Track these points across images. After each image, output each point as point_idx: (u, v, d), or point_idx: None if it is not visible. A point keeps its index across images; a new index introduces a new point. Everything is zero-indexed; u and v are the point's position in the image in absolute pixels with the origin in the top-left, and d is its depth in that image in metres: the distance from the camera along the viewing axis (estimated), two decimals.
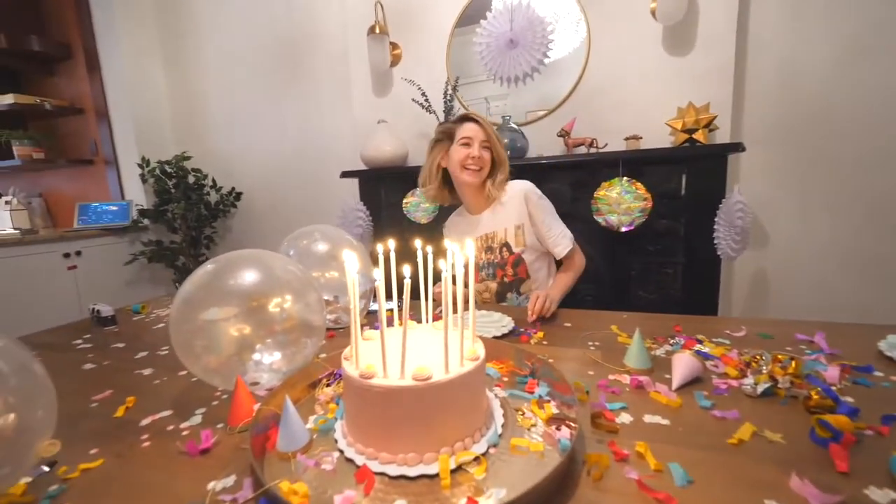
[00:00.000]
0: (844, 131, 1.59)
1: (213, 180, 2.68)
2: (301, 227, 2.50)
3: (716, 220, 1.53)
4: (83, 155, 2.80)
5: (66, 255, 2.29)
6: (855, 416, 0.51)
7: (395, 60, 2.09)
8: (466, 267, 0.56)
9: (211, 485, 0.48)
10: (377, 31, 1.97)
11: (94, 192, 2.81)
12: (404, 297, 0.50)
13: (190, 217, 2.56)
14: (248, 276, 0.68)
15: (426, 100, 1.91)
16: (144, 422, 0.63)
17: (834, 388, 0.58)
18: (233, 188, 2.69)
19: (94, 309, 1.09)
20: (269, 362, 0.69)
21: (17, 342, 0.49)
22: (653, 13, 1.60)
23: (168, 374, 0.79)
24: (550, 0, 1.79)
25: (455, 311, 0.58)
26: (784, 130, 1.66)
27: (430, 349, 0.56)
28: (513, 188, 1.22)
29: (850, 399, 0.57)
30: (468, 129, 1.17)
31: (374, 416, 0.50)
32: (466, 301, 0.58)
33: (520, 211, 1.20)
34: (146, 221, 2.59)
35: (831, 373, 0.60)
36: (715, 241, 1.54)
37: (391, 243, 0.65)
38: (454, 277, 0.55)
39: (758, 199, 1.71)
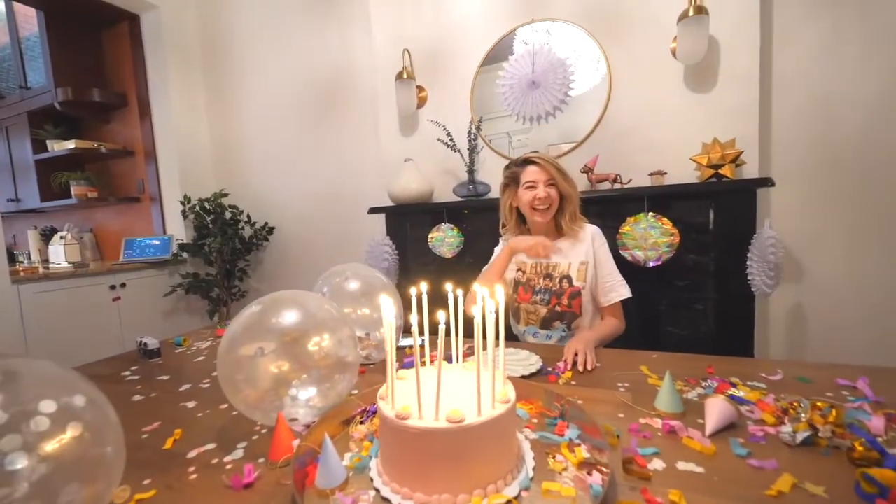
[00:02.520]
0: (886, 166, 1.56)
1: (248, 216, 2.83)
2: (329, 259, 2.58)
3: (748, 255, 1.51)
4: (131, 193, 3.03)
5: (112, 287, 2.44)
6: None
7: (422, 102, 2.20)
8: (497, 312, 0.58)
9: None
10: (405, 76, 2.09)
11: (139, 228, 3.01)
12: (439, 341, 0.52)
13: (225, 251, 2.69)
14: (289, 316, 0.73)
15: (451, 139, 1.99)
16: (191, 454, 0.66)
17: (879, 439, 0.56)
18: (266, 223, 2.83)
19: (141, 342, 1.16)
20: (305, 398, 0.72)
21: (89, 381, 0.54)
22: (673, 53, 1.65)
23: (210, 406, 0.83)
24: (570, 39, 1.86)
25: (485, 348, 0.60)
26: (818, 165, 1.64)
27: (461, 390, 0.58)
28: (585, 229, 1.28)
29: None
30: (530, 173, 1.24)
31: (408, 456, 0.52)
32: (497, 340, 0.60)
33: (587, 250, 1.25)
34: (185, 255, 2.74)
35: (876, 423, 0.58)
36: (749, 277, 1.50)
37: (423, 286, 0.68)
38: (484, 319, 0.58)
39: (792, 233, 1.67)
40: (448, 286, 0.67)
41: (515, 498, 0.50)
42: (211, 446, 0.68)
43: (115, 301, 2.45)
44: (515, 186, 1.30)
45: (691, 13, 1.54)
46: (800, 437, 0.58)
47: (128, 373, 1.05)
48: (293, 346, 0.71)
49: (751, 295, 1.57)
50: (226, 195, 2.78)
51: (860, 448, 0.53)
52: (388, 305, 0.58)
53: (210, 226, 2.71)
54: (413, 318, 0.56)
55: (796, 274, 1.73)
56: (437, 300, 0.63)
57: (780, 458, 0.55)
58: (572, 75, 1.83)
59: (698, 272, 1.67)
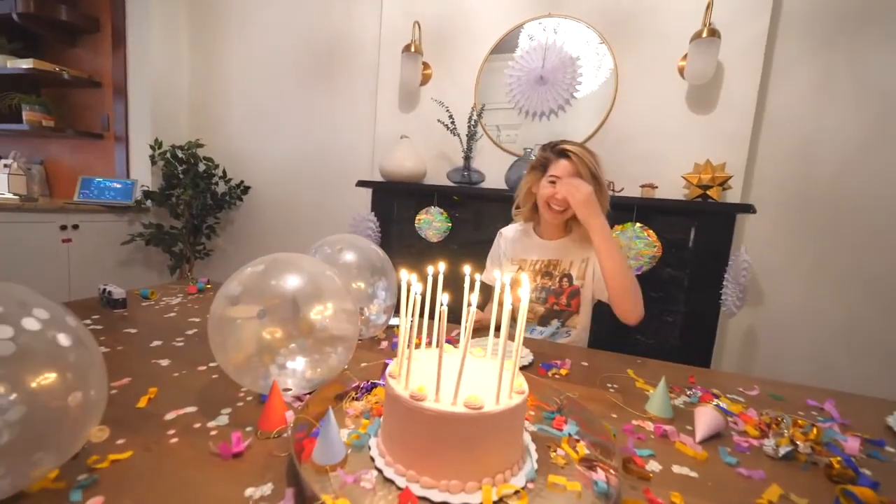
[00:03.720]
0: (852, 212, 1.68)
1: (224, 171, 2.67)
2: (307, 228, 2.48)
3: (725, 275, 1.58)
4: (93, 128, 2.77)
5: (63, 228, 2.23)
6: (876, 490, 0.53)
7: (425, 80, 2.14)
8: (516, 305, 0.57)
9: (249, 491, 0.47)
10: (412, 49, 2.02)
11: (99, 168, 2.77)
12: (463, 323, 0.51)
13: (195, 205, 2.53)
14: (292, 280, 0.68)
15: (452, 122, 1.95)
16: (169, 416, 0.61)
17: (853, 459, 0.61)
18: (241, 181, 2.68)
19: (104, 289, 1.07)
20: (297, 368, 0.69)
21: (74, 314, 0.49)
22: (681, 71, 1.69)
23: (188, 367, 0.77)
24: (580, 40, 1.86)
25: (497, 336, 0.59)
26: (794, 201, 1.75)
27: (473, 376, 0.56)
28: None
29: (868, 471, 0.59)
30: (560, 167, 1.12)
31: (420, 438, 0.50)
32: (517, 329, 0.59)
33: (591, 249, 1.16)
34: (149, 203, 2.55)
35: (851, 444, 0.63)
36: (722, 296, 1.58)
37: (441, 265, 0.66)
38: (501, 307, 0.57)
39: (761, 261, 1.78)
40: (466, 268, 0.65)
41: (523, 488, 0.50)
42: (191, 409, 0.64)
43: (66, 243, 2.25)
44: (541, 173, 1.18)
45: (704, 34, 1.57)
46: (782, 451, 0.61)
47: (89, 321, 0.96)
48: (290, 312, 0.67)
49: (716, 312, 1.67)
50: (201, 146, 2.60)
51: (837, 466, 0.57)
52: (411, 280, 0.55)
53: (181, 176, 2.54)
54: (444, 298, 0.54)
55: (756, 298, 1.84)
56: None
57: (765, 468, 0.58)
58: (580, 76, 1.83)
59: (673, 286, 1.74)
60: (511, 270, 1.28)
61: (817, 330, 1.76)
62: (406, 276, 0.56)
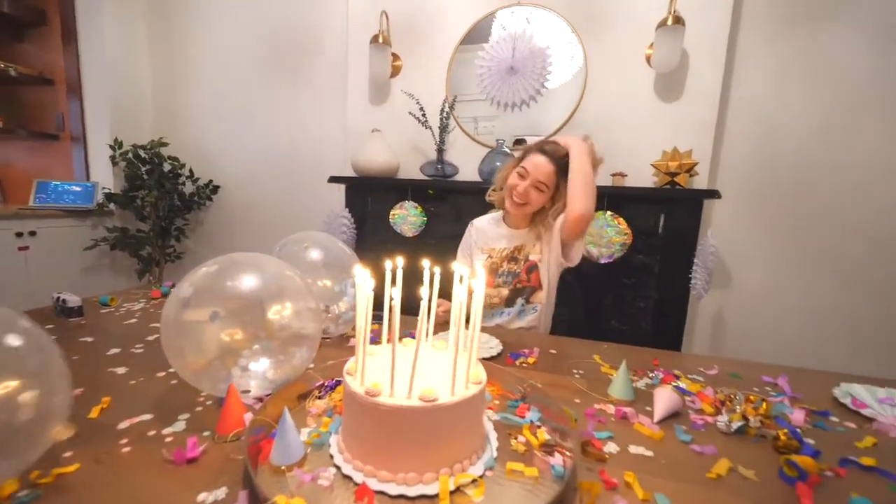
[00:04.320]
0: (812, 195, 1.74)
1: (191, 170, 2.58)
2: (278, 226, 2.44)
3: (695, 260, 1.63)
4: (47, 129, 2.63)
5: (19, 235, 2.13)
6: (817, 458, 0.56)
7: (395, 71, 2.11)
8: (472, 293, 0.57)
9: (202, 496, 0.46)
10: (380, 40, 1.99)
11: (56, 170, 2.64)
12: (419, 318, 0.51)
13: (162, 206, 2.45)
14: (248, 280, 0.67)
15: (423, 114, 1.93)
16: (122, 425, 0.59)
17: (799, 430, 0.64)
18: (210, 181, 2.60)
19: (58, 297, 1.03)
20: (258, 369, 0.68)
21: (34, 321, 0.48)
22: (648, 59, 1.71)
23: (145, 374, 0.75)
24: (551, 30, 1.86)
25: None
26: (756, 185, 1.80)
27: (432, 369, 0.57)
28: (548, 221, 1.19)
29: (811, 441, 0.62)
30: (530, 162, 1.14)
31: (376, 433, 0.50)
32: (473, 321, 0.59)
33: (556, 233, 1.18)
34: (112, 206, 2.45)
35: (797, 416, 0.66)
36: (692, 281, 1.62)
37: (399, 260, 0.65)
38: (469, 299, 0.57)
39: (727, 244, 1.83)
40: (425, 262, 0.65)
41: (481, 477, 0.50)
42: (146, 417, 0.62)
43: (23, 251, 2.15)
44: (518, 162, 1.19)
45: (670, 22, 1.59)
46: (734, 426, 0.63)
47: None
48: (249, 313, 0.66)
49: (686, 296, 1.71)
50: (165, 144, 2.51)
51: (783, 437, 0.60)
52: (362, 276, 0.54)
53: (145, 177, 2.45)
54: (396, 294, 0.54)
55: (724, 281, 1.90)
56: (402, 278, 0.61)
57: (717, 444, 0.60)
58: (550, 66, 1.83)
59: (644, 272, 1.78)
60: (481, 260, 1.29)
61: (779, 308, 1.83)
62: (360, 272, 0.55)
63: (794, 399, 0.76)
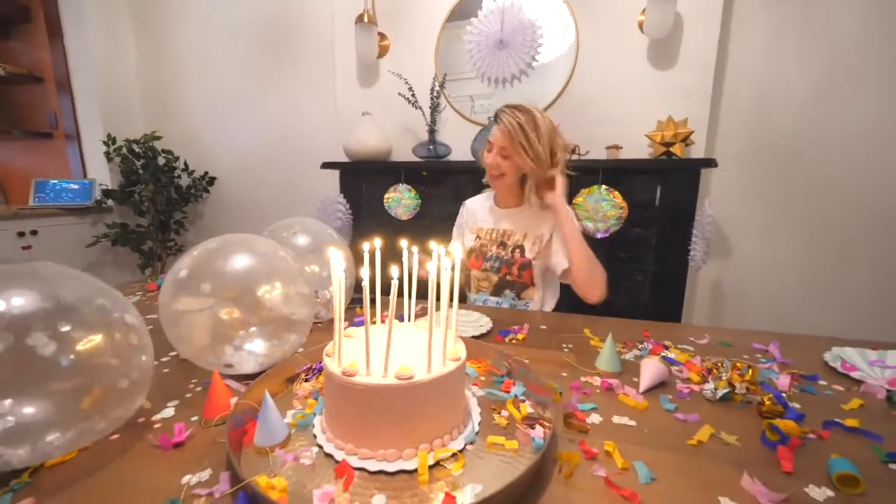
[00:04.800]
0: (808, 163, 1.71)
1: (186, 163, 2.58)
2: (276, 215, 2.46)
3: (693, 231, 1.60)
4: (41, 127, 2.63)
5: (21, 235, 2.15)
6: (801, 421, 0.56)
7: (383, 52, 2.07)
8: (453, 268, 0.57)
9: (186, 478, 0.48)
10: (366, 20, 1.94)
11: (53, 169, 2.65)
12: (391, 297, 0.50)
13: (159, 200, 2.45)
14: (241, 261, 0.67)
15: (413, 94, 1.90)
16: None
17: (784, 395, 0.63)
18: (206, 173, 2.60)
19: None
20: (250, 349, 0.69)
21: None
22: (640, 26, 1.66)
23: None
24: (541, 3, 1.81)
25: (438, 308, 0.59)
26: (753, 153, 1.76)
27: (411, 348, 0.57)
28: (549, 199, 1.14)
29: (797, 405, 0.62)
30: (493, 132, 1.11)
31: (354, 412, 0.50)
32: (451, 299, 0.59)
33: (549, 223, 1.16)
34: (111, 203, 2.46)
35: (782, 381, 0.65)
36: (691, 252, 1.60)
37: (377, 241, 0.65)
38: (439, 276, 0.56)
39: (725, 214, 1.81)
40: (403, 242, 0.64)
41: (461, 451, 0.51)
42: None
43: (26, 250, 2.17)
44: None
45: None
46: (719, 393, 0.63)
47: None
48: (242, 295, 0.67)
49: (684, 268, 1.70)
50: (158, 138, 2.50)
51: (768, 402, 0.60)
52: (337, 259, 0.54)
53: (140, 172, 2.45)
54: (364, 273, 0.53)
55: (722, 251, 1.88)
56: (392, 260, 0.60)
57: (701, 411, 0.60)
58: (541, 38, 1.78)
59: (641, 245, 1.76)
60: (470, 239, 1.28)
61: (778, 277, 1.82)
62: (334, 254, 0.55)
63: (783, 365, 0.75)
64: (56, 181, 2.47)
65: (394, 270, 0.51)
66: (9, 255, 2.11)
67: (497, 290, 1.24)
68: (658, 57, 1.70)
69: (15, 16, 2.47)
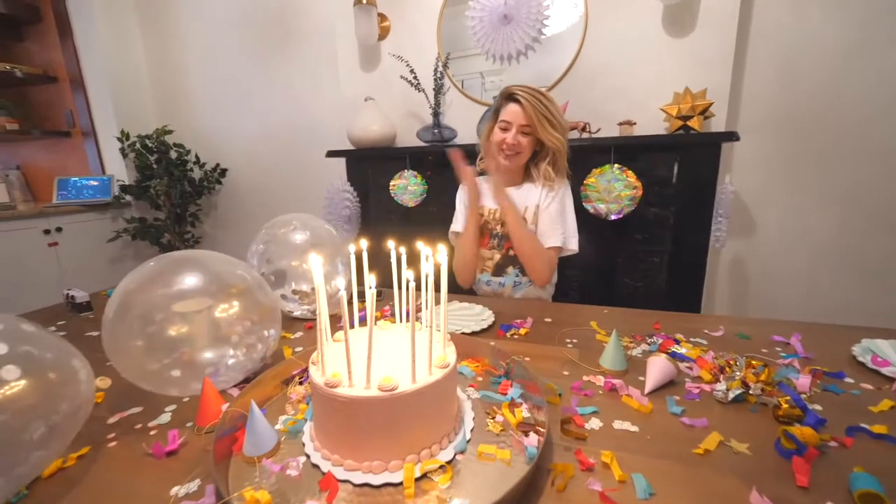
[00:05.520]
0: (842, 124, 1.56)
1: (197, 156, 2.60)
2: (287, 205, 2.45)
3: (715, 209, 1.52)
4: (59, 126, 2.69)
5: (47, 232, 2.23)
6: (821, 427, 0.52)
7: (384, 33, 1.99)
8: (438, 271, 0.54)
9: (174, 490, 0.48)
10: (364, 1, 1.87)
11: (73, 166, 2.72)
12: (369, 305, 0.48)
13: (174, 194, 2.49)
14: (189, 280, 0.66)
15: (415, 77, 1.83)
16: (112, 419, 0.62)
17: (804, 396, 0.59)
18: (217, 164, 2.62)
19: (68, 294, 1.07)
20: (227, 361, 0.68)
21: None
22: None
23: None
24: None
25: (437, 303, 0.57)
26: (780, 120, 1.63)
27: (400, 354, 0.55)
28: (557, 182, 1.17)
29: (818, 407, 0.57)
30: (509, 112, 1.10)
31: (339, 423, 0.49)
32: (437, 301, 0.56)
33: (544, 195, 1.17)
34: (128, 198, 2.52)
35: (802, 381, 0.61)
36: (716, 232, 1.52)
37: (363, 243, 0.63)
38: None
39: (749, 189, 1.70)
40: (391, 243, 0.61)
41: (449, 462, 0.49)
42: (136, 410, 0.64)
43: (52, 246, 2.26)
44: (494, 120, 1.16)
45: None
46: (732, 394, 0.59)
47: (53, 328, 0.97)
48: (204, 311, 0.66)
49: (704, 248, 1.61)
50: (169, 132, 2.52)
51: (785, 405, 0.55)
52: (317, 265, 0.52)
53: (154, 166, 2.48)
54: (340, 284, 0.51)
55: (745, 228, 1.77)
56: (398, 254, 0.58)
57: (711, 415, 0.56)
58: (547, 10, 1.67)
59: (658, 225, 1.68)
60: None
61: (805, 251, 1.70)
62: (314, 260, 0.53)
63: (805, 360, 0.70)
64: (76, 178, 2.54)
65: (371, 279, 0.49)
66: (37, 252, 2.20)
67: (498, 270, 1.23)
68: (674, 23, 1.57)
69: (25, 16, 2.49)
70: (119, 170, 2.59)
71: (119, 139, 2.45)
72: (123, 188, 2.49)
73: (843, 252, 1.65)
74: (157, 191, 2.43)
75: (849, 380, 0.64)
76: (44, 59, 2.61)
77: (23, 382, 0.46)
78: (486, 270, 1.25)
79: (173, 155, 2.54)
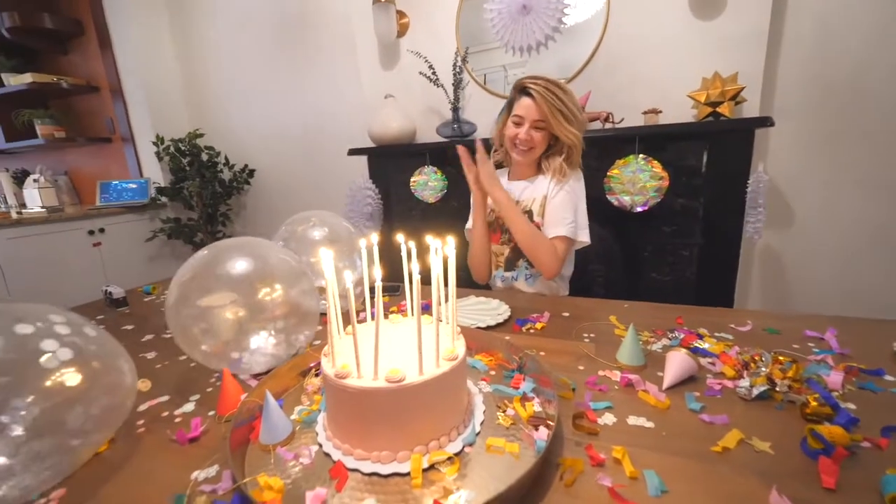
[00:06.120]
0: (882, 102, 1.45)
1: (226, 157, 2.70)
2: (312, 203, 2.50)
3: (748, 199, 1.45)
4: (101, 133, 2.86)
5: (91, 233, 2.38)
6: (853, 427, 0.48)
7: (403, 30, 2.00)
8: (446, 263, 0.54)
9: (195, 474, 0.50)
10: None
11: (115, 170, 2.88)
12: (376, 295, 0.49)
13: (205, 194, 2.60)
14: (241, 264, 0.69)
15: (433, 73, 1.83)
16: (142, 407, 0.65)
17: (835, 394, 0.55)
18: (245, 165, 2.71)
19: (106, 290, 1.14)
20: (260, 347, 0.70)
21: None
22: None
23: (170, 357, 0.82)
24: None
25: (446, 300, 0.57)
26: (818, 102, 1.52)
27: (409, 347, 0.55)
28: (569, 174, 1.14)
29: (851, 406, 0.54)
30: (522, 106, 1.08)
31: (349, 414, 0.50)
32: (447, 295, 0.56)
33: (552, 186, 1.14)
34: (164, 199, 2.65)
35: (834, 378, 0.57)
36: (753, 223, 1.44)
37: (374, 238, 0.63)
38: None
39: (785, 176, 1.61)
40: (400, 237, 0.62)
41: (457, 454, 0.49)
42: (164, 399, 0.68)
43: (96, 246, 2.41)
44: (508, 113, 1.15)
45: None
46: (756, 391, 0.56)
47: (93, 322, 1.03)
48: (249, 297, 0.68)
49: (737, 240, 1.54)
50: (200, 135, 2.63)
51: (814, 403, 0.52)
52: (328, 259, 0.53)
53: (187, 168, 2.60)
54: (348, 277, 0.52)
55: (782, 218, 1.68)
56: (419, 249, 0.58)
57: (733, 412, 0.54)
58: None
59: (686, 216, 1.62)
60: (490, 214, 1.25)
61: (846, 242, 1.59)
62: (325, 255, 0.54)
63: (841, 357, 0.66)
64: (117, 182, 2.69)
65: (377, 272, 0.49)
66: (82, 251, 2.35)
67: (509, 265, 1.22)
68: (702, 5, 1.50)
69: (71, 29, 2.65)
70: (155, 172, 2.73)
71: (154, 143, 2.58)
72: (159, 190, 2.62)
73: (887, 241, 1.54)
74: (190, 192, 2.55)
75: (889, 377, 0.60)
76: (86, 71, 2.77)
77: (77, 375, 0.49)
78: (500, 266, 1.24)
79: (204, 157, 2.65)
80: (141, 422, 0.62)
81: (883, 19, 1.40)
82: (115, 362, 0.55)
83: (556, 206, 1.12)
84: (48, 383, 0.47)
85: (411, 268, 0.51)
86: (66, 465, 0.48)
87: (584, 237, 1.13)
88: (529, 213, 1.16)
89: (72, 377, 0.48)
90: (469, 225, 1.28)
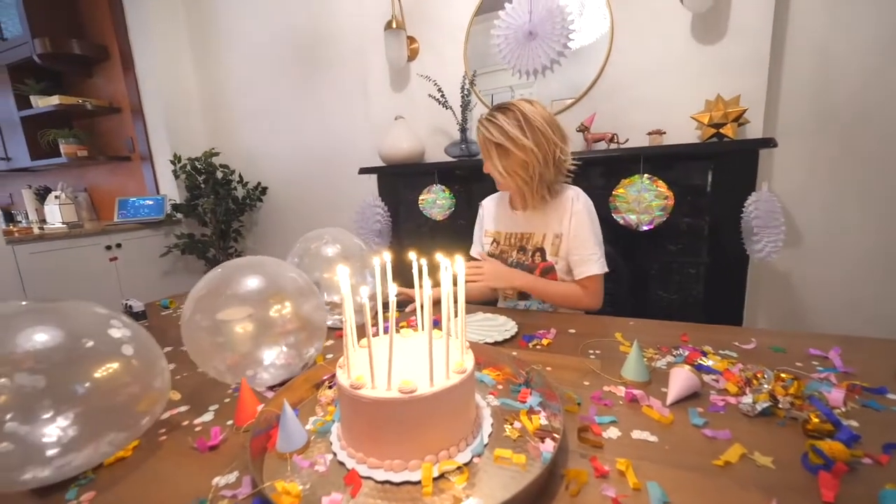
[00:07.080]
0: (883, 124, 1.48)
1: (240, 175, 2.78)
2: (323, 221, 2.56)
3: (745, 218, 1.46)
4: (121, 152, 2.97)
5: (108, 248, 2.45)
6: (854, 443, 0.50)
7: (413, 55, 2.08)
8: (455, 280, 0.57)
9: (215, 480, 0.52)
10: (394, 25, 1.96)
11: (132, 188, 2.98)
12: (391, 310, 0.52)
13: (219, 211, 2.67)
14: (253, 282, 0.72)
15: (442, 95, 1.90)
16: (164, 416, 0.68)
17: (837, 411, 0.56)
18: (258, 183, 2.79)
19: (126, 304, 1.18)
20: (270, 361, 0.73)
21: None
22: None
23: (188, 369, 0.84)
24: None
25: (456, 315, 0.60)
26: (820, 123, 1.55)
27: (420, 359, 0.58)
28: (564, 192, 1.12)
29: (853, 423, 0.55)
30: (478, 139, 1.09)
31: (363, 423, 0.52)
32: (456, 311, 0.59)
33: (563, 219, 1.10)
34: (179, 215, 2.73)
35: (835, 395, 0.58)
36: (772, 241, 1.43)
37: (387, 255, 0.67)
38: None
39: (788, 196, 1.62)
40: (412, 255, 0.65)
41: (466, 464, 0.51)
42: (184, 408, 0.70)
43: (113, 261, 2.47)
44: None
45: None
46: (759, 407, 0.58)
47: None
48: (260, 312, 0.72)
49: (745, 258, 1.55)
50: (216, 154, 2.71)
51: (815, 419, 0.53)
52: (344, 276, 0.56)
53: (202, 186, 2.68)
54: (364, 292, 0.55)
55: (788, 237, 1.68)
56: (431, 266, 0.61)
57: (735, 428, 0.55)
58: (572, 24, 1.70)
59: (692, 235, 1.64)
60: (486, 242, 1.26)
61: (852, 261, 1.59)
62: (342, 271, 0.57)
63: (844, 375, 0.67)
64: (134, 198, 2.78)
65: (392, 289, 0.52)
66: (100, 265, 2.41)
67: (523, 295, 1.21)
68: (703, 30, 1.55)
69: (97, 55, 2.79)
70: (171, 190, 2.81)
71: (172, 162, 2.67)
72: (175, 207, 2.70)
73: (891, 261, 1.54)
74: (205, 209, 2.62)
75: (892, 396, 0.61)
76: (109, 92, 2.91)
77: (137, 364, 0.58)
78: (510, 297, 1.23)
79: (219, 175, 2.73)
80: (163, 430, 0.64)
81: (881, 42, 1.44)
82: (159, 362, 0.63)
83: (580, 243, 1.09)
84: (116, 364, 0.56)
85: (423, 284, 0.54)
86: (122, 440, 0.56)
87: (605, 266, 1.11)
88: (542, 252, 1.14)
89: (130, 368, 0.57)
90: (473, 251, 1.29)
